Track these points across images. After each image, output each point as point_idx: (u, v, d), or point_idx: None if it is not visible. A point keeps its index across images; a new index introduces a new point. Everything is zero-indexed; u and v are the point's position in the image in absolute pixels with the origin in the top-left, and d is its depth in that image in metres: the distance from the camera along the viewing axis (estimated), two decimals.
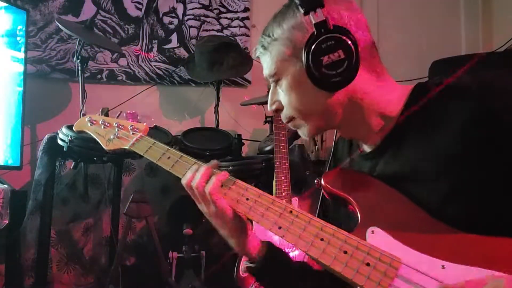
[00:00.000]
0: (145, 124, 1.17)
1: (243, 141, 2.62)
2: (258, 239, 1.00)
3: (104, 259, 2.66)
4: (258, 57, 0.95)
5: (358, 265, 0.76)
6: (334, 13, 0.84)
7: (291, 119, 0.93)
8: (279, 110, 0.94)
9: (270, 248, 0.99)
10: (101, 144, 1.17)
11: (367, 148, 0.94)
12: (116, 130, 1.16)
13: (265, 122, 2.58)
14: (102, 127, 1.19)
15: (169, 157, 1.04)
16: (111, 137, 1.16)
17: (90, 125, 1.21)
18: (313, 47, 0.81)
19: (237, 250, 1.00)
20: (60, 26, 2.39)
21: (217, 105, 2.67)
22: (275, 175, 1.97)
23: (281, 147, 2.02)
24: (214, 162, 0.98)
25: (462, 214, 0.76)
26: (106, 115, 1.23)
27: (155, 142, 1.09)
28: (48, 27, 2.75)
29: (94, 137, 1.19)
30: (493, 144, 0.75)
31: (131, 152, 1.12)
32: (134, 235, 2.68)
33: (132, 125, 1.16)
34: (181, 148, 2.28)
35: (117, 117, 1.22)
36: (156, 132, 2.28)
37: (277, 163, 1.99)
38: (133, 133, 1.14)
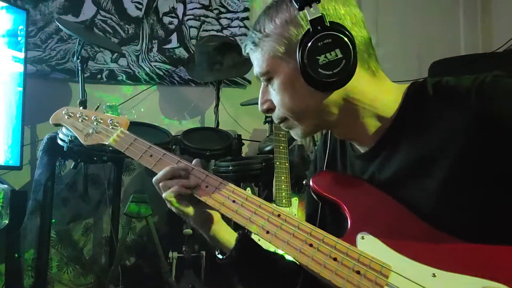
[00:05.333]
0: (125, 116, 1.09)
1: (243, 141, 2.62)
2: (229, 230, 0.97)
3: (104, 259, 2.67)
4: (247, 54, 0.88)
5: (348, 273, 0.74)
6: (330, 8, 0.79)
7: (283, 119, 0.88)
8: (270, 110, 0.88)
9: (242, 241, 0.96)
10: (79, 138, 1.08)
11: (361, 149, 0.89)
12: (95, 124, 1.07)
13: (265, 122, 2.58)
14: (80, 120, 1.09)
15: (151, 155, 0.97)
16: (90, 131, 1.07)
17: (67, 118, 1.11)
18: (308, 45, 0.75)
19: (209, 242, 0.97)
20: (60, 26, 2.39)
21: (217, 105, 2.67)
22: (275, 175, 1.97)
23: (281, 147, 2.03)
24: (196, 160, 0.96)
25: (455, 219, 0.74)
26: (84, 107, 1.15)
27: (136, 139, 1.01)
28: (48, 27, 2.74)
29: (72, 131, 1.10)
30: (489, 147, 0.71)
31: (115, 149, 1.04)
32: (134, 235, 2.68)
33: (112, 119, 1.07)
34: (181, 148, 2.28)
35: (96, 109, 1.13)
36: (156, 132, 2.29)
37: (277, 163, 1.99)
38: (112, 128, 1.05)
